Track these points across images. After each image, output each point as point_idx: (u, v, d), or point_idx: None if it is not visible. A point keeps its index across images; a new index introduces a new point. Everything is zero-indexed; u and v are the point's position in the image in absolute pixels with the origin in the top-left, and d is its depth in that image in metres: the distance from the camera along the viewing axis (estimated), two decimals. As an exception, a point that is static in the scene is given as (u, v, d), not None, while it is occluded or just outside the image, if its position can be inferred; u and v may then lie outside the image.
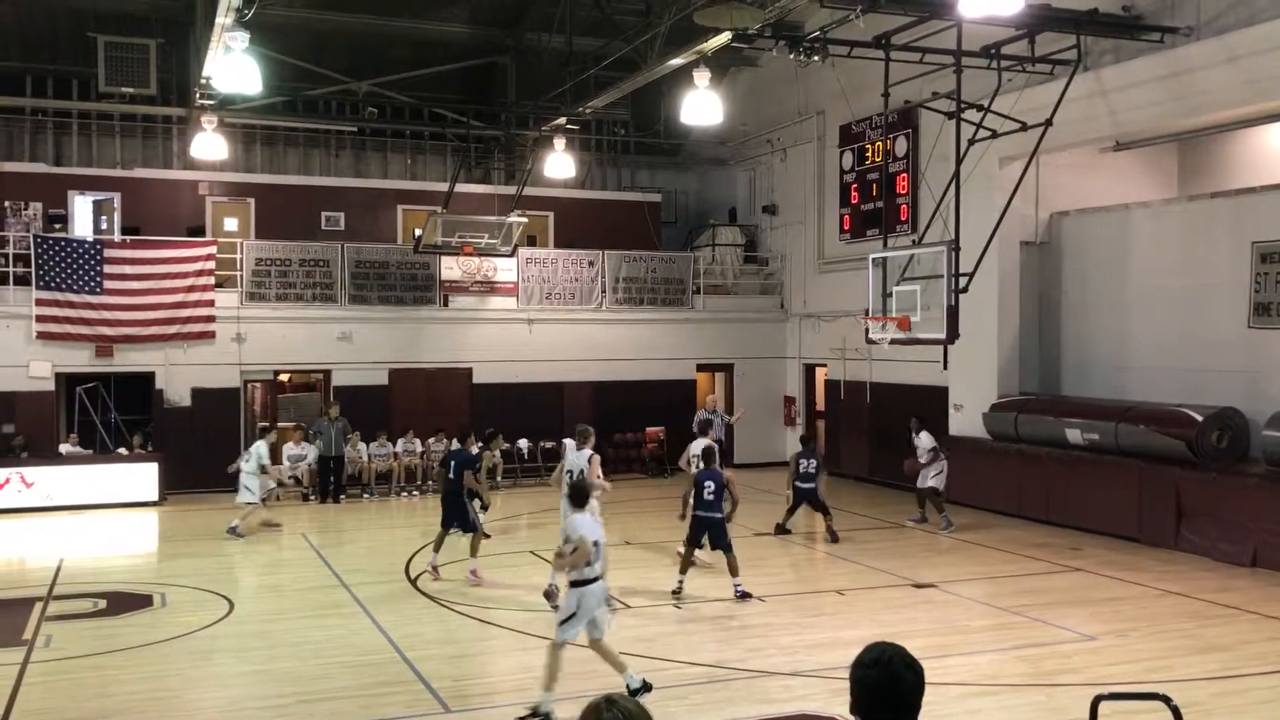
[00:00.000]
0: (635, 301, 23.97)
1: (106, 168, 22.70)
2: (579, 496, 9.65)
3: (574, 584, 9.00)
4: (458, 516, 13.79)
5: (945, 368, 16.95)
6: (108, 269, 20.38)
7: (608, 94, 19.45)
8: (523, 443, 22.50)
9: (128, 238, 21.25)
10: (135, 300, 20.53)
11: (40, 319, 19.96)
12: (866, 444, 22.31)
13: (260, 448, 17.32)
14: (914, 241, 16.57)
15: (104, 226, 21.90)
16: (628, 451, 23.49)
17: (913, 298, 15.03)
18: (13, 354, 19.88)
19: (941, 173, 16.76)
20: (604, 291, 23.73)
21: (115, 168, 22.73)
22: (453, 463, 14.09)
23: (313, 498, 20.24)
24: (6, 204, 21.50)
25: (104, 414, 21.80)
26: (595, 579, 8.99)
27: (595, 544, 8.98)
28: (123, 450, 20.35)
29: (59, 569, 14.54)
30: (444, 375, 22.54)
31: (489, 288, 23.01)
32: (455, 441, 20.26)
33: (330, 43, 22.62)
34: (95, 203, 22.03)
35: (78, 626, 11.71)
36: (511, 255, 22.55)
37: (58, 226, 21.54)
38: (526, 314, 23.10)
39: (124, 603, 12.64)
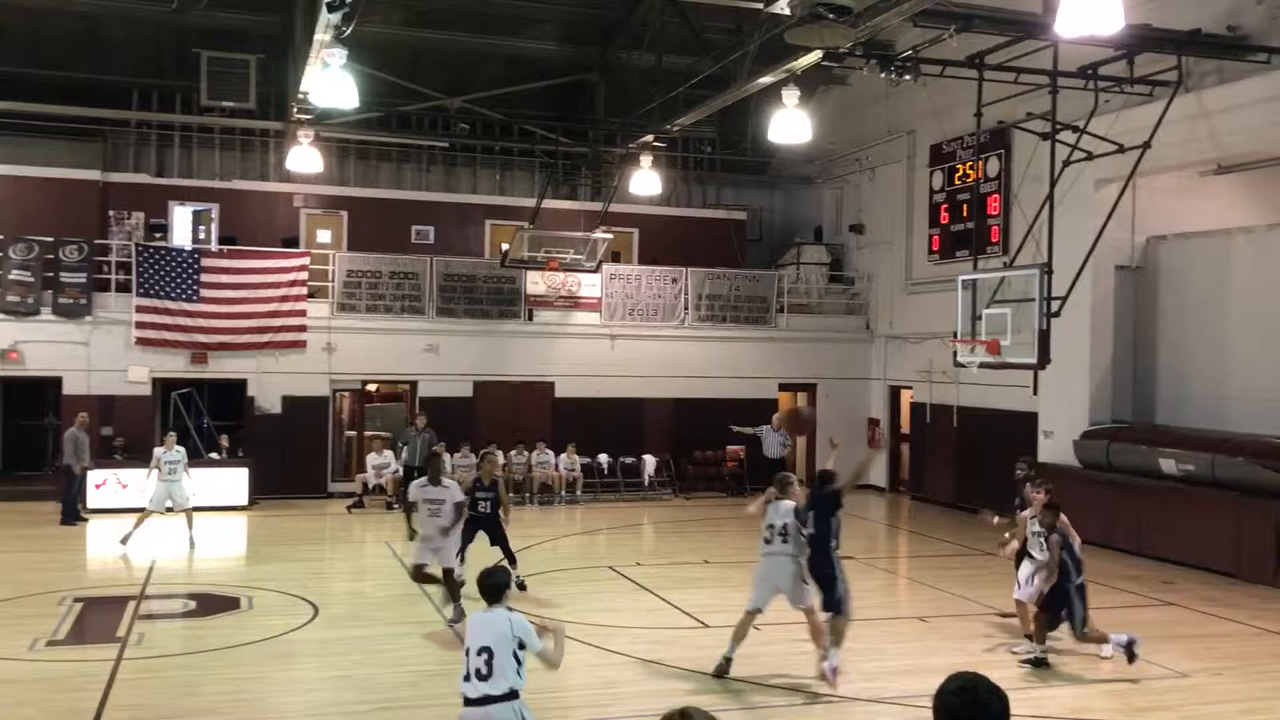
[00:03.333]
0: (718, 319, 23.92)
1: (206, 179, 23.35)
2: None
3: None
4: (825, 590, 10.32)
5: (1035, 393, 16.59)
6: (204, 278, 20.94)
7: (695, 112, 19.45)
8: (603, 458, 22.60)
9: (224, 247, 21.83)
10: (230, 309, 21.05)
11: (139, 325, 20.57)
12: (952, 469, 21.93)
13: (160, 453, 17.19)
14: (1005, 264, 16.31)
15: (202, 236, 22.52)
16: (707, 469, 23.42)
17: (1003, 321, 14.76)
18: (113, 359, 20.50)
19: (1034, 194, 16.46)
20: (687, 309, 23.73)
21: (214, 179, 23.38)
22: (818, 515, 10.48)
23: (396, 506, 20.50)
24: (111, 213, 22.25)
25: (197, 419, 22.39)
26: None
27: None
28: (214, 455, 20.83)
29: (152, 569, 14.92)
30: (527, 388, 22.72)
31: (573, 303, 23.16)
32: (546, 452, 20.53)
33: (424, 59, 23.02)
34: (194, 213, 22.67)
35: (169, 626, 12.01)
36: (596, 271, 22.68)
37: (158, 235, 22.23)
38: (609, 329, 23.19)
39: (213, 604, 12.93)
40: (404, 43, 22.10)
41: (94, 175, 22.41)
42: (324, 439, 21.72)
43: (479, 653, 6.39)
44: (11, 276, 20.11)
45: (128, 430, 20.44)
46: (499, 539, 13.27)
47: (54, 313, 20.29)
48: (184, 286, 20.73)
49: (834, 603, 10.05)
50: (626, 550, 17.48)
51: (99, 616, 12.31)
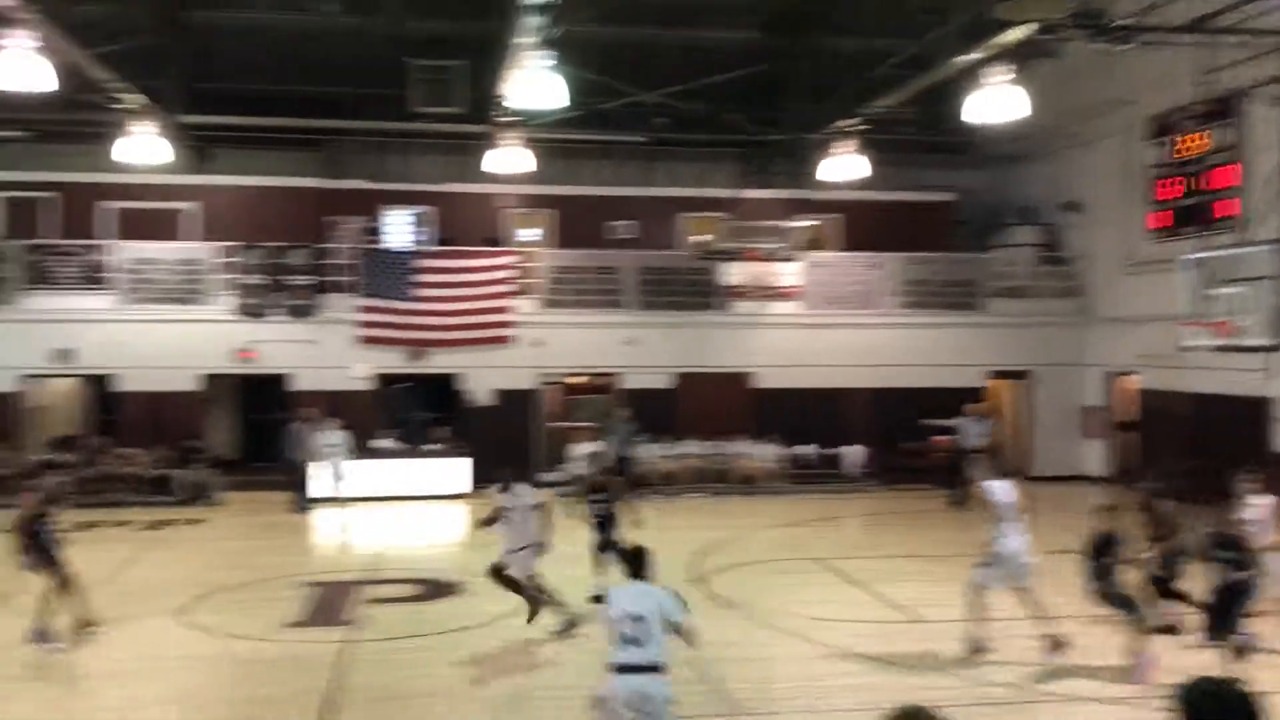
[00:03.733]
0: (922, 305, 23.32)
1: (419, 183, 24.41)
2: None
3: None
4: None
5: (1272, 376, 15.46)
6: (420, 278, 21.90)
7: (896, 93, 19.05)
8: (805, 448, 22.42)
9: (437, 248, 22.78)
10: (443, 306, 21.95)
11: (361, 324, 21.70)
12: (1180, 458, 20.64)
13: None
14: (1237, 241, 15.25)
15: (419, 239, 23.58)
16: (912, 460, 22.87)
17: (1235, 301, 13.83)
18: (337, 356, 21.71)
19: (1266, 166, 15.32)
20: (889, 295, 23.23)
21: (428, 183, 24.40)
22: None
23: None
24: (333, 218, 23.55)
25: (414, 412, 23.43)
26: None
27: None
28: (432, 446, 21.75)
29: (377, 555, 15.73)
30: (727, 379, 22.75)
31: (772, 293, 23.03)
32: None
33: (620, 56, 23.28)
34: (410, 216, 23.76)
35: (393, 609, 12.63)
36: (795, 260, 22.49)
37: (376, 239, 23.40)
38: (810, 319, 22.96)
39: (436, 590, 13.52)
40: (600, 40, 22.43)
41: (316, 183, 23.78)
42: (531, 430, 22.38)
43: (634, 620, 6.44)
44: (247, 281, 21.56)
45: (352, 423, 21.56)
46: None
47: (284, 313, 21.65)
48: (401, 286, 21.74)
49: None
50: (831, 542, 17.29)
51: (329, 599, 13.06)
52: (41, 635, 10.76)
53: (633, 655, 6.42)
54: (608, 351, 22.43)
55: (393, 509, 19.74)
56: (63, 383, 22.94)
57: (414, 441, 21.84)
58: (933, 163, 26.45)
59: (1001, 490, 10.47)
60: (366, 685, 9.76)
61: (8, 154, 23.19)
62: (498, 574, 11.48)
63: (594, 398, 23.75)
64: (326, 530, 18.43)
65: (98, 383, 22.38)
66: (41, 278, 21.27)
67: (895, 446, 22.46)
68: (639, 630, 6.43)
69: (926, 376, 22.72)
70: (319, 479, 19.56)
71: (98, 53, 17.41)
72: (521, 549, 11.38)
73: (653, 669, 6.45)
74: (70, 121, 21.60)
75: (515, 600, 11.53)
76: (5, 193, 22.43)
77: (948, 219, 25.11)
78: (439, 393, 23.00)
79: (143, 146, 19.85)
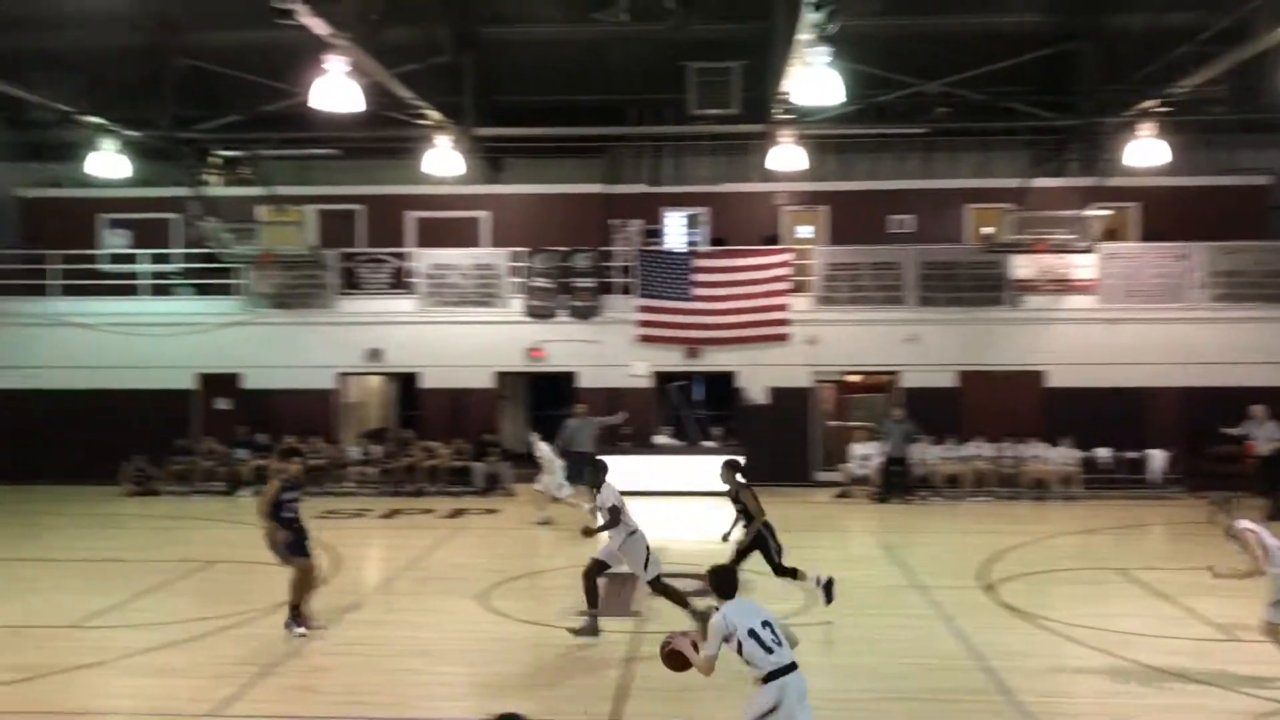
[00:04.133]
0: (1235, 298, 21.47)
1: (695, 184, 24.79)
2: None
3: None
4: None
5: None
6: (696, 278, 22.22)
7: (1203, 70, 17.64)
8: (1102, 451, 21.12)
9: (713, 248, 23.06)
10: (719, 305, 22.19)
11: (641, 324, 22.26)
12: None
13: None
14: None
15: (694, 239, 23.95)
16: (1224, 465, 21.04)
17: None
18: (618, 355, 22.37)
19: None
20: (1196, 287, 21.53)
21: (703, 184, 24.75)
22: None
23: (891, 497, 20.43)
24: (614, 222, 24.27)
25: (690, 409, 23.80)
26: None
27: None
28: (708, 443, 22.03)
29: (658, 549, 16.03)
30: (1015, 378, 21.77)
31: (1064, 286, 21.84)
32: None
33: (900, 47, 22.74)
34: (686, 217, 24.18)
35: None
36: (1090, 251, 21.24)
37: (654, 241, 23.95)
38: (1107, 313, 21.61)
39: (716, 586, 13.63)
40: (879, 32, 21.97)
41: (598, 188, 24.60)
42: (808, 429, 22.24)
43: (764, 626, 6.77)
44: (535, 284, 22.58)
45: (632, 420, 22.17)
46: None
47: (570, 314, 22.51)
48: (678, 286, 22.14)
49: None
50: (1134, 552, 16.23)
51: (616, 591, 13.42)
52: (295, 620, 11.27)
53: (783, 656, 6.74)
54: (886, 349, 21.98)
55: (669, 504, 20.12)
56: (372, 380, 24.83)
57: (690, 438, 22.19)
58: (1248, 142, 24.30)
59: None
60: (655, 676, 9.97)
61: (323, 170, 25.32)
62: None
63: (872, 396, 23.34)
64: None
65: (403, 380, 24.07)
66: (353, 283, 23.10)
67: (1203, 450, 20.78)
68: (775, 634, 6.79)
69: (1241, 375, 20.90)
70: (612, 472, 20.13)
71: (401, 73, 18.69)
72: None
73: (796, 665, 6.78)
74: (376, 138, 23.33)
75: (801, 595, 11.45)
76: (321, 205, 24.48)
77: (1263, 203, 23.00)
78: (716, 390, 23.28)
79: (442, 160, 21.17)
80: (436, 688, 9.84)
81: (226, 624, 11.76)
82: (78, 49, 20.76)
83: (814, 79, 14.52)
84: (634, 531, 11.51)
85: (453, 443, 21.95)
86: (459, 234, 24.28)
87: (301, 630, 11.26)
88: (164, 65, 22.31)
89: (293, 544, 11.32)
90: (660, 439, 22.01)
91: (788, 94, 17.80)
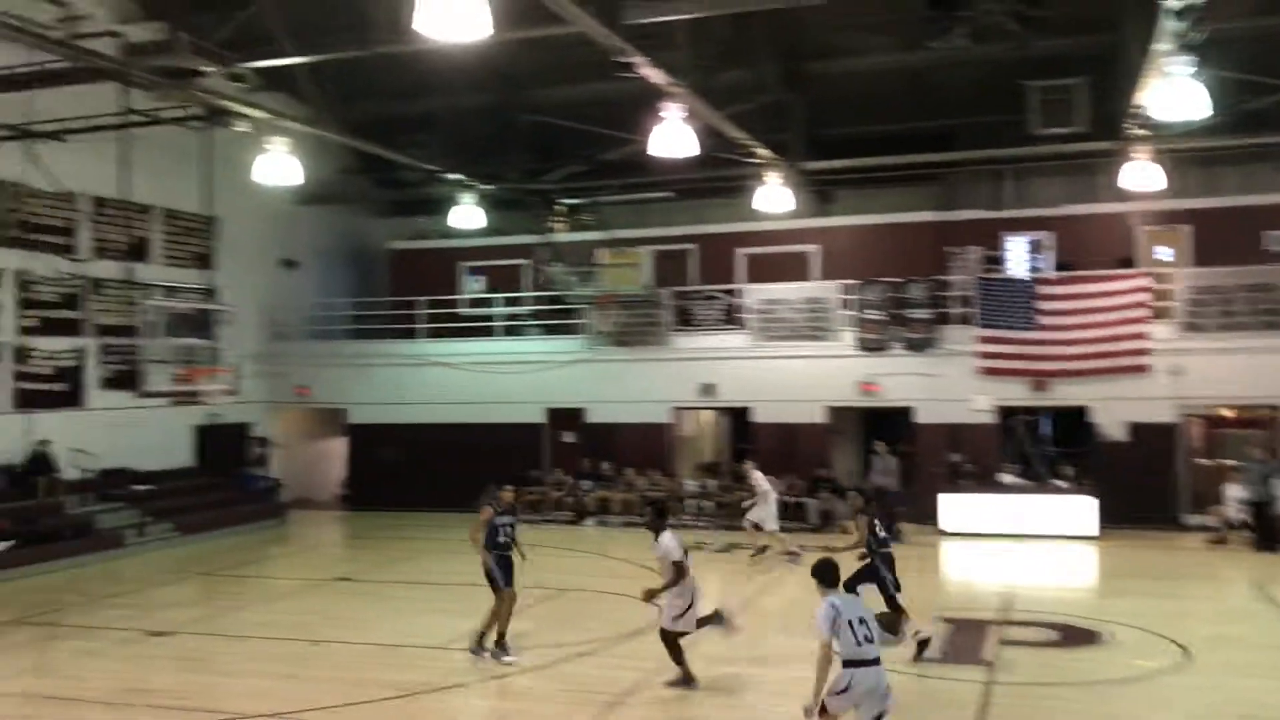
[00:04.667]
0: None
1: (1038, 208, 23.58)
2: None
3: None
4: None
5: None
6: (1041, 305, 21.06)
7: None
8: None
9: (1059, 273, 21.81)
10: (1068, 335, 20.90)
11: (981, 355, 21.35)
12: None
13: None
14: None
15: (1037, 265, 22.76)
16: None
17: None
18: (956, 388, 21.55)
19: None
20: None
21: (1046, 207, 23.50)
22: None
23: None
24: (949, 250, 23.50)
25: (1038, 446, 22.52)
26: None
27: None
28: (1058, 482, 20.74)
29: (1006, 594, 15.24)
30: None
31: None
32: None
33: (1274, 48, 20.67)
34: (1029, 242, 23.03)
35: (1031, 654, 12.12)
36: None
37: (994, 268, 22.96)
38: None
39: (1074, 636, 12.78)
40: (1249, 34, 20.04)
41: (931, 216, 23.93)
42: (1173, 468, 20.46)
43: (860, 622, 7.60)
44: (867, 316, 22.23)
45: (973, 456, 21.26)
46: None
47: (904, 347, 21.97)
48: (1022, 315, 21.07)
49: None
50: None
51: (963, 638, 12.85)
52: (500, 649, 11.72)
53: (868, 652, 7.56)
54: (1263, 380, 19.83)
55: (1015, 546, 19.10)
56: (706, 414, 25.31)
57: (1038, 477, 20.98)
58: None
59: None
60: (1010, 730, 9.44)
61: (658, 212, 26.19)
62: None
63: (1249, 433, 21.14)
64: (957, 564, 18.32)
65: (736, 414, 24.36)
66: (687, 320, 23.68)
67: None
68: (870, 631, 7.61)
69: None
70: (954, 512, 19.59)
71: (731, 114, 19.02)
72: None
73: (879, 660, 7.62)
74: (708, 179, 23.85)
75: (1167, 654, 10.48)
76: (656, 246, 25.29)
77: None
78: (1066, 426, 21.91)
79: (771, 196, 21.35)
80: (783, 727, 9.76)
81: (578, 650, 12.24)
82: (437, 113, 22.66)
83: (1174, 91, 13.40)
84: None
85: (785, 477, 21.91)
86: (789, 268, 24.33)
87: (510, 659, 11.65)
88: (512, 122, 23.91)
89: (502, 567, 11.85)
90: (1006, 478, 20.95)
91: (1143, 108, 16.57)
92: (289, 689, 11.07)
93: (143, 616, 14.45)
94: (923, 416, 21.90)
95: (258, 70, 15.20)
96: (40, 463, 19.71)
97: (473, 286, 26.74)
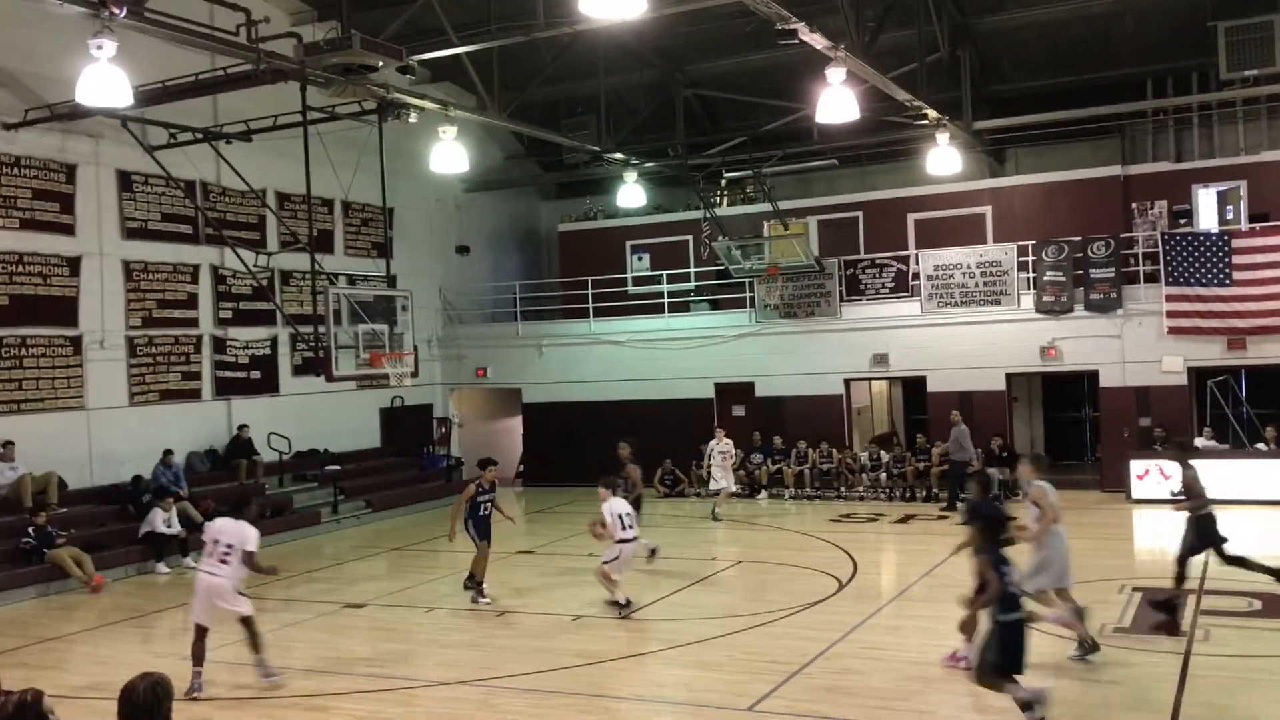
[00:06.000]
0: None
1: (1228, 156, 22.24)
2: None
3: None
4: None
5: None
6: (1236, 259, 19.90)
7: None
8: None
9: (1255, 225, 20.53)
10: (1265, 289, 19.69)
11: (1170, 314, 20.32)
12: None
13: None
14: None
15: (1229, 216, 21.48)
16: None
17: None
18: (1145, 349, 20.59)
19: None
20: None
21: (1238, 155, 22.14)
22: None
23: None
24: (1134, 205, 22.41)
25: (1235, 407, 21.34)
26: None
27: None
28: (1260, 445, 19.59)
29: (1201, 563, 14.50)
30: None
31: None
32: None
33: None
34: (1219, 193, 21.72)
35: (1232, 624, 11.53)
36: None
37: (1182, 222, 21.80)
38: None
39: (1276, 606, 12.08)
40: None
41: (1114, 170, 22.85)
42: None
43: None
44: (1046, 278, 21.42)
45: (1164, 420, 20.30)
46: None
47: (1086, 309, 21.09)
48: (1214, 271, 19.95)
49: None
50: None
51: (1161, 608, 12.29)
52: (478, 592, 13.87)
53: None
54: None
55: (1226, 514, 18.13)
56: (878, 384, 24.91)
57: (1236, 441, 19.86)
58: None
59: None
60: (1210, 704, 9.00)
61: (822, 180, 25.85)
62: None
63: None
64: (1148, 532, 17.56)
65: (909, 384, 23.89)
66: (857, 289, 23.31)
67: None
68: None
69: None
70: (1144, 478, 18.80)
71: (897, 75, 18.56)
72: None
73: None
74: (874, 144, 23.39)
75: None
76: (821, 216, 24.96)
77: None
78: (1267, 385, 20.68)
79: (940, 158, 20.76)
80: (965, 698, 9.56)
81: (756, 621, 12.28)
82: (599, 93, 22.86)
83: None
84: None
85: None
86: (961, 232, 23.65)
87: (486, 600, 13.86)
88: (673, 98, 23.95)
89: (480, 530, 14.07)
90: (1201, 442, 19.91)
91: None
92: (479, 658, 11.49)
93: (340, 590, 15.23)
94: (1107, 380, 21.01)
95: (425, 62, 15.68)
96: (240, 446, 20.96)
97: (638, 265, 26.98)
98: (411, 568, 16.89)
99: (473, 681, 10.55)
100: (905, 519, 18.95)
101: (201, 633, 10.58)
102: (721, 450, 20.76)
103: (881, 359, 22.76)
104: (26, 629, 11.28)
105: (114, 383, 19.25)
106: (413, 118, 17.00)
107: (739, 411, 24.23)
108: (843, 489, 22.18)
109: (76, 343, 18.63)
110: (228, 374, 21.37)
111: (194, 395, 20.73)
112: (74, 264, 18.66)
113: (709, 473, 20.97)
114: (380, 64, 14.23)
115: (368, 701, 10.17)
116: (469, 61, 16.73)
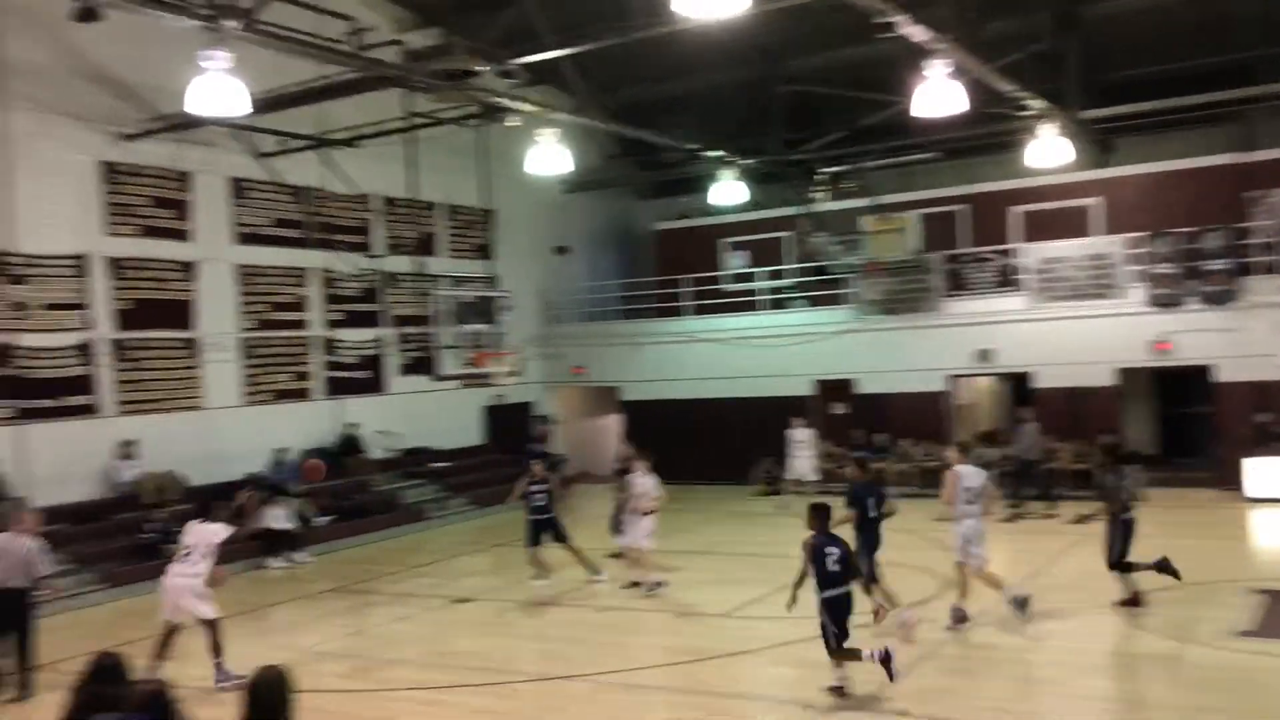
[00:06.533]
0: None
1: (1353, 140, 21.33)
2: None
3: None
4: None
5: None
6: (1362, 248, 19.06)
7: None
8: None
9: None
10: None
11: (1292, 307, 19.57)
12: None
13: None
14: None
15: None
16: None
17: None
18: (1263, 343, 19.82)
19: None
20: None
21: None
22: None
23: None
24: (1248, 194, 21.58)
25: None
26: None
27: None
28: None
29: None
30: None
31: None
32: None
33: None
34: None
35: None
36: None
37: (1302, 210, 20.95)
38: None
39: None
40: None
41: (1229, 159, 22.06)
42: None
43: None
44: (1158, 271, 20.79)
45: (1284, 417, 19.56)
46: None
47: (1200, 301, 20.41)
48: (1339, 260, 19.14)
49: None
50: None
51: (1281, 610, 11.89)
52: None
53: None
54: None
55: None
56: (983, 381, 24.44)
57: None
58: None
59: None
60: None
61: (924, 174, 25.44)
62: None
63: None
64: (1270, 532, 16.95)
65: (1015, 380, 23.41)
66: (960, 284, 22.93)
67: None
68: None
69: None
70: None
71: (1000, 66, 18.19)
72: None
73: None
74: (977, 136, 22.91)
75: None
76: (923, 210, 24.59)
77: None
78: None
79: (1047, 149, 20.29)
80: (1079, 701, 9.37)
81: (858, 620, 12.16)
82: (696, 92, 22.94)
83: None
84: None
85: (1072, 444, 20.87)
86: (1068, 224, 23.07)
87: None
88: (770, 94, 23.84)
89: (529, 533, 14.82)
90: (1324, 438, 19.13)
91: None
92: (581, 653, 11.62)
93: (446, 584, 15.54)
94: (1223, 375, 20.29)
95: (525, 66, 15.88)
96: (350, 444, 21.53)
97: (735, 262, 26.92)
98: (514, 564, 17.08)
99: (576, 676, 10.68)
100: (1012, 518, 18.57)
101: (170, 630, 10.84)
102: (799, 440, 20.96)
103: (986, 355, 22.34)
104: (149, 620, 11.74)
105: (228, 383, 19.92)
106: (513, 121, 17.24)
107: (839, 409, 24.02)
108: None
109: (193, 345, 19.33)
110: (338, 374, 21.94)
111: (305, 395, 21.35)
112: (190, 269, 19.35)
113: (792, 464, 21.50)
114: (482, 69, 14.48)
115: (475, 695, 10.37)
116: (568, 64, 16.90)
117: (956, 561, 11.90)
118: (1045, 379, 21.89)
